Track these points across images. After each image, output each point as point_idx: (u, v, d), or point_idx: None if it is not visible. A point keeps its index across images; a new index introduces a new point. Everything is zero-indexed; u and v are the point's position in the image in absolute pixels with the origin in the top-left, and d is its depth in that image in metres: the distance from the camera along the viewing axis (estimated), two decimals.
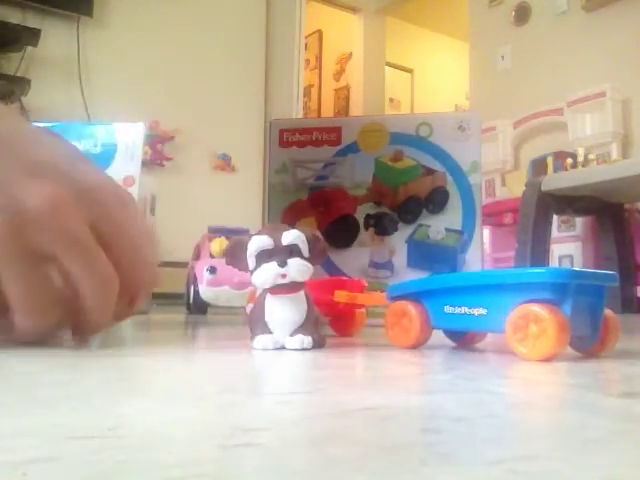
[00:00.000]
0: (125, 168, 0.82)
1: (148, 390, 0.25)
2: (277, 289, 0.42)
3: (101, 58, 2.36)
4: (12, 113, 0.36)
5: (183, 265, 1.31)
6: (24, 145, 0.35)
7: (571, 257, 2.08)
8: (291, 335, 0.42)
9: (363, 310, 0.56)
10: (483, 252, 0.73)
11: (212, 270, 1.09)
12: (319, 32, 4.58)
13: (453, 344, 0.47)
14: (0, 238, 0.31)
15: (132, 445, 0.15)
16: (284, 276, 0.41)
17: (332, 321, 0.57)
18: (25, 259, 0.33)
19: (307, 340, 0.41)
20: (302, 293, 0.43)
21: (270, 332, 0.42)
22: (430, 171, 0.74)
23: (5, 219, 0.31)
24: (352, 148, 0.76)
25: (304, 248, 0.42)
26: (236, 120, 2.63)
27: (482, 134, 0.75)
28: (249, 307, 0.48)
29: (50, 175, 0.34)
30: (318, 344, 0.42)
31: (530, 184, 1.71)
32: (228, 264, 0.44)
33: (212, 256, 1.14)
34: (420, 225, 0.74)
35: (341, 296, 0.52)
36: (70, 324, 0.38)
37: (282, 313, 0.42)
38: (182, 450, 0.15)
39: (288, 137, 0.77)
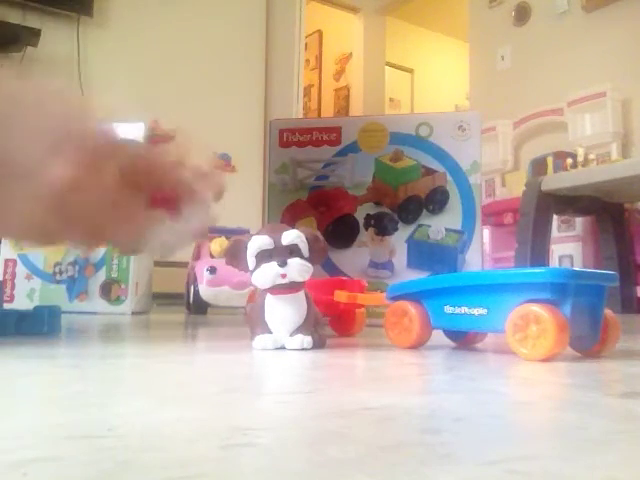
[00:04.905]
0: None
1: (148, 390, 0.25)
2: (277, 289, 0.42)
3: (101, 58, 2.36)
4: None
5: (183, 265, 1.31)
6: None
7: (571, 257, 2.08)
8: (291, 335, 0.42)
9: (363, 310, 0.56)
10: (483, 252, 0.73)
11: (212, 270, 1.09)
12: (319, 32, 4.58)
13: (453, 344, 0.47)
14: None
15: (132, 445, 0.15)
16: (284, 276, 0.41)
17: (332, 321, 0.57)
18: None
19: (307, 340, 0.41)
20: (302, 293, 0.43)
21: (270, 332, 0.42)
22: (430, 171, 0.74)
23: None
24: (352, 148, 0.76)
25: (304, 248, 0.42)
26: (236, 120, 2.62)
27: (482, 134, 0.74)
28: (249, 307, 0.48)
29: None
30: (318, 344, 0.42)
31: (530, 184, 1.71)
32: (228, 264, 0.44)
33: (212, 256, 1.14)
34: (420, 225, 0.74)
35: (341, 296, 0.52)
36: None
37: (282, 313, 0.42)
38: (182, 450, 0.15)
39: (288, 137, 0.77)
